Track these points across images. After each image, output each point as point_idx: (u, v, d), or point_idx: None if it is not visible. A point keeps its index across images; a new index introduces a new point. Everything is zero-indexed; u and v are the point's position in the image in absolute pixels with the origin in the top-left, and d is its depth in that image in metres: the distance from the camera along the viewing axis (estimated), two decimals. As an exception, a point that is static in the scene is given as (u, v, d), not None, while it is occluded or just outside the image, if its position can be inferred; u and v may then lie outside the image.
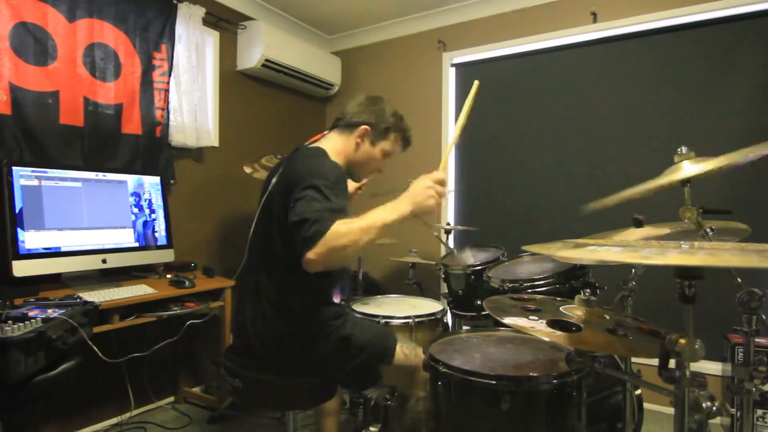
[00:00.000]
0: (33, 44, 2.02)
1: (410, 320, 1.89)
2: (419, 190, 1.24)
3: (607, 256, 0.81)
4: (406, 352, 1.46)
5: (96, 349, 1.57)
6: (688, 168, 1.11)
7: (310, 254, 1.12)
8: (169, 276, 2.30)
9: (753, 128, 2.40)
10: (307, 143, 1.50)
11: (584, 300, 1.18)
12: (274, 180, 1.42)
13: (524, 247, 1.03)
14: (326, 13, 3.35)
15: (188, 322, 2.25)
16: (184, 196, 2.75)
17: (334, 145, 1.46)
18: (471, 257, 2.43)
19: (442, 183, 1.26)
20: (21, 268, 1.83)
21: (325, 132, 1.54)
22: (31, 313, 1.42)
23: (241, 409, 2.46)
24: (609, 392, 1.56)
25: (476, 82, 1.45)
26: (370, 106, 1.49)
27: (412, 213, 1.23)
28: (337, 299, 1.44)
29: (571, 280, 1.75)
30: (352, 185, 1.74)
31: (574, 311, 1.19)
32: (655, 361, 0.86)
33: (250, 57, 3.03)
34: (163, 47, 2.53)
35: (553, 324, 1.09)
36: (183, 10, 2.61)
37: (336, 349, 1.37)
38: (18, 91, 1.98)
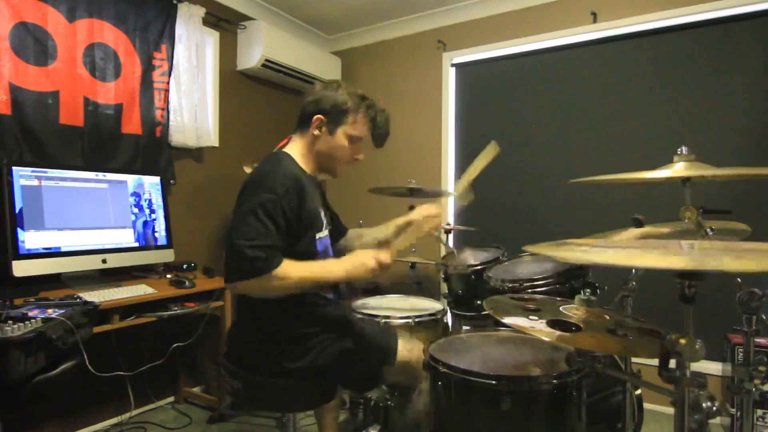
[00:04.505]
0: (33, 44, 2.02)
1: (410, 320, 1.88)
2: (357, 265, 1.31)
3: (606, 259, 0.81)
4: (409, 347, 1.45)
5: (86, 358, 1.54)
6: (686, 168, 1.11)
7: (239, 284, 1.21)
8: (169, 276, 2.30)
9: (753, 128, 2.40)
10: (274, 150, 1.47)
11: (584, 300, 1.18)
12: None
13: (524, 247, 1.03)
14: (326, 13, 3.35)
15: (173, 345, 2.32)
16: (184, 196, 2.75)
17: (297, 146, 1.43)
18: (471, 257, 2.43)
19: (382, 265, 1.31)
20: (21, 268, 1.83)
21: (291, 135, 1.49)
22: (31, 313, 1.41)
23: (241, 409, 2.46)
24: (609, 392, 1.56)
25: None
26: (323, 92, 1.41)
27: (345, 279, 1.34)
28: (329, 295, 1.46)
29: (571, 280, 1.75)
30: (404, 220, 1.64)
31: (574, 311, 1.18)
32: (655, 361, 0.86)
33: (250, 57, 3.03)
34: (163, 47, 2.53)
35: (553, 324, 1.09)
36: (183, 10, 2.61)
37: (337, 359, 1.36)
38: (18, 91, 1.98)
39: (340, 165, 1.47)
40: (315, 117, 1.39)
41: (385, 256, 1.32)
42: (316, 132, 1.41)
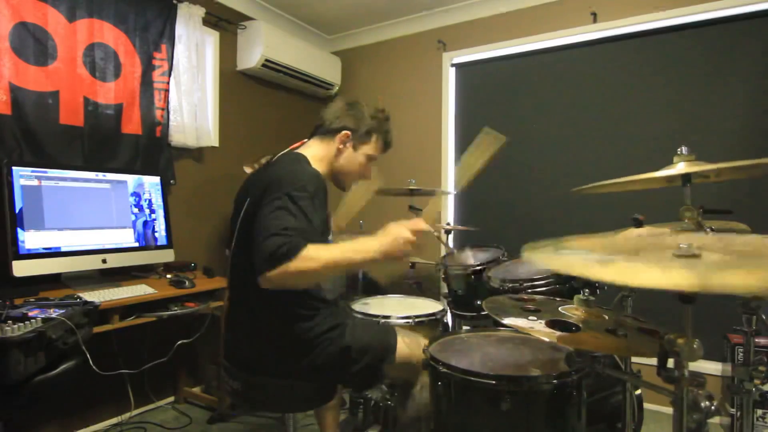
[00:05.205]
0: (33, 44, 2.02)
1: (410, 320, 1.88)
2: (392, 238, 1.21)
3: (606, 275, 0.74)
4: (407, 341, 1.45)
5: (89, 356, 1.54)
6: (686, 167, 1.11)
7: (268, 274, 1.11)
8: (169, 276, 2.30)
9: (753, 128, 2.40)
10: (286, 150, 1.47)
11: (584, 300, 1.18)
12: (249, 190, 1.37)
13: (524, 247, 1.03)
14: (326, 13, 3.35)
15: (178, 342, 2.35)
16: (184, 196, 2.75)
17: (316, 152, 1.44)
18: (471, 257, 2.43)
19: (416, 233, 1.22)
20: (21, 268, 1.83)
21: (305, 140, 1.51)
22: (31, 313, 1.42)
23: (240, 409, 2.46)
24: (609, 392, 1.56)
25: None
26: (349, 110, 1.47)
27: (380, 258, 1.20)
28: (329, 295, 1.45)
29: (570, 280, 1.75)
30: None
31: (574, 311, 1.19)
32: (655, 361, 0.86)
33: (250, 57, 3.03)
34: (163, 47, 2.53)
35: (553, 324, 1.09)
36: (183, 10, 2.61)
37: (336, 359, 1.36)
38: (18, 91, 1.98)
39: (351, 180, 1.53)
40: (344, 132, 1.44)
41: (417, 223, 1.23)
42: (341, 146, 1.45)
